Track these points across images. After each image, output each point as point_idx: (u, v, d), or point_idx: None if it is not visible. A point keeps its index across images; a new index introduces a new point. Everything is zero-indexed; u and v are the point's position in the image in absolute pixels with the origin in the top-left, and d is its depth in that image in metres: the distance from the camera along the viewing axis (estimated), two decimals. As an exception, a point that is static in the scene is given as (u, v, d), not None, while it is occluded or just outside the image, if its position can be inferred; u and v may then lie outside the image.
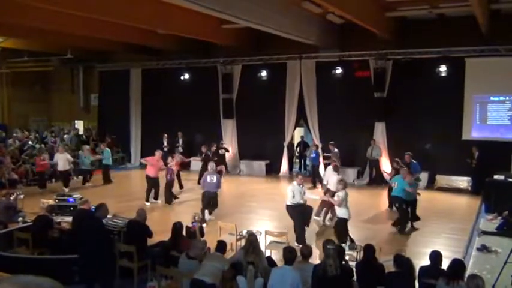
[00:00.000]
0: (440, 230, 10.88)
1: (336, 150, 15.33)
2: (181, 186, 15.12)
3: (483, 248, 9.08)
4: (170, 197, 13.27)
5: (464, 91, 14.91)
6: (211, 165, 11.90)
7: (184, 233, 8.29)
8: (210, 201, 11.30)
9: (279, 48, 16.66)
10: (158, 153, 13.59)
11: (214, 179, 11.35)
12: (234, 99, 18.75)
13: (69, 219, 9.27)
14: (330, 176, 11.43)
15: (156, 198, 13.30)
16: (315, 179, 15.68)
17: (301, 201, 9.49)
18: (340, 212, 9.22)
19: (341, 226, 9.16)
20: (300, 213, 9.48)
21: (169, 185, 13.24)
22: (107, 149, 17.01)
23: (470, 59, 14.66)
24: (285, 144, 18.00)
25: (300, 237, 9.27)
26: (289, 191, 9.50)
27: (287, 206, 9.55)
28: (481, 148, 14.29)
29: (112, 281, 6.95)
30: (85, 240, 6.72)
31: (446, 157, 15.05)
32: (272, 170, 18.37)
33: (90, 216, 7.27)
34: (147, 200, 13.10)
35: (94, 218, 7.05)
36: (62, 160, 15.20)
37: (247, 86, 18.41)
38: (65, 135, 21.46)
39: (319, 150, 16.28)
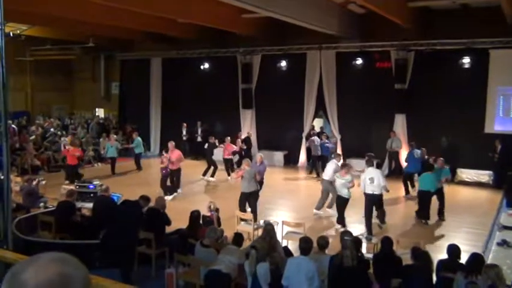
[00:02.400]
0: (460, 223, 10.76)
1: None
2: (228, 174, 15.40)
3: (503, 243, 8.95)
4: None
5: (488, 83, 14.59)
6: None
7: (201, 221, 8.37)
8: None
9: (299, 38, 16.52)
10: (171, 144, 13.30)
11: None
12: (253, 89, 18.72)
13: (90, 205, 9.44)
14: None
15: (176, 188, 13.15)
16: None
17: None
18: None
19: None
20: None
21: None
22: (138, 138, 17.12)
23: (494, 50, 14.33)
24: (304, 135, 17.93)
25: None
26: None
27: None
28: (504, 141, 14.03)
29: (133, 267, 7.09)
30: (124, 226, 6.85)
31: (468, 150, 14.81)
32: (290, 161, 18.35)
33: (134, 204, 7.35)
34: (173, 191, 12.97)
35: (138, 206, 7.19)
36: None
37: (267, 76, 18.36)
38: (92, 122, 21.77)
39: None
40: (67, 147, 15.28)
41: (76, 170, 14.55)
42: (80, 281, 1.21)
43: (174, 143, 13.44)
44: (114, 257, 6.76)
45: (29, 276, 1.16)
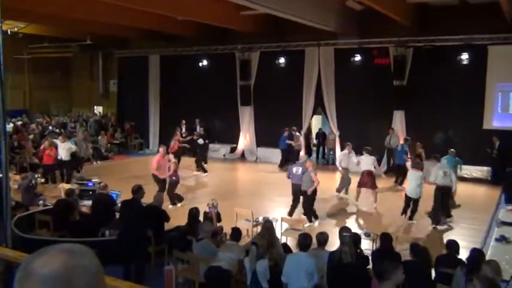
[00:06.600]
0: (459, 219, 10.76)
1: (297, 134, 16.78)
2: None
3: (502, 239, 8.98)
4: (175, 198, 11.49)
5: (486, 79, 14.62)
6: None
7: (201, 218, 8.37)
8: (297, 195, 10.44)
9: (298, 35, 16.51)
10: (162, 149, 11.90)
11: (300, 170, 10.36)
12: (252, 86, 18.71)
13: (88, 203, 9.44)
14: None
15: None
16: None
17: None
18: None
19: None
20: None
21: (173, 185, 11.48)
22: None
23: (493, 46, 14.35)
24: (303, 132, 17.91)
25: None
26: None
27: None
28: (502, 138, 14.05)
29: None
30: (133, 224, 6.92)
31: (466, 146, 14.80)
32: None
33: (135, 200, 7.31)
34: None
35: (137, 202, 7.19)
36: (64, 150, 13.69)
37: (265, 73, 18.33)
38: (91, 119, 21.77)
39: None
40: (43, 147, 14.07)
41: (53, 169, 13.61)
42: (85, 274, 1.19)
43: (164, 148, 12.19)
44: (128, 253, 6.77)
45: (36, 266, 1.17)
